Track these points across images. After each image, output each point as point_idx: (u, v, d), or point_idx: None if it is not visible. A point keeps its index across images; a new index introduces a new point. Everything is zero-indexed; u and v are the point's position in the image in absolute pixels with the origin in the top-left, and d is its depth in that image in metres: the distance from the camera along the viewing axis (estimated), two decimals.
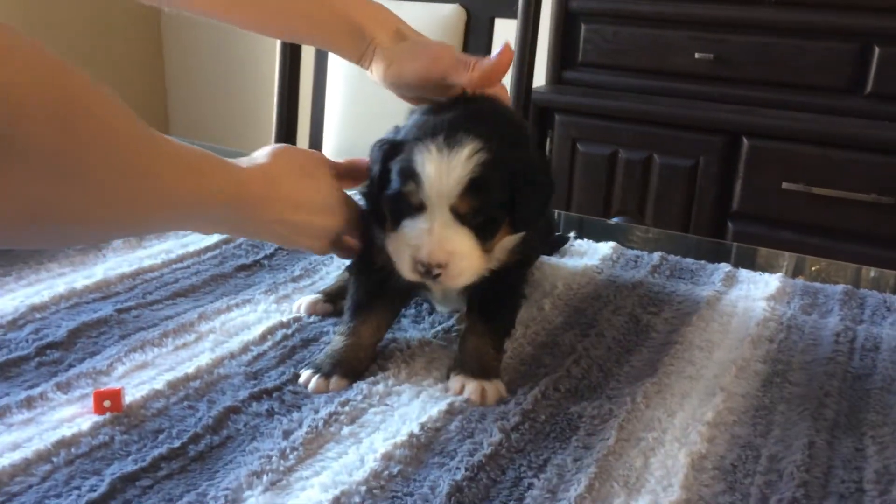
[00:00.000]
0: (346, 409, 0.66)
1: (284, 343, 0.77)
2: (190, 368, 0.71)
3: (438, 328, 0.82)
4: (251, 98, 3.15)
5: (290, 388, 0.69)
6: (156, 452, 0.59)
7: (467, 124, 0.65)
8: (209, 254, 0.96)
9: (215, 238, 1.00)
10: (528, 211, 0.69)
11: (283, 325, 0.80)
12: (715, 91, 2.21)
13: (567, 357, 0.76)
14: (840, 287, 0.94)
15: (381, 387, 0.70)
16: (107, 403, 0.63)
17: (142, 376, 0.69)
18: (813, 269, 1.06)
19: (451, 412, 0.67)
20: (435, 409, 0.67)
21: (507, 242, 0.71)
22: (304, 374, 0.71)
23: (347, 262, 0.80)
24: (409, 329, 0.82)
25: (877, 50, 2.01)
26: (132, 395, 0.66)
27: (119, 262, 0.91)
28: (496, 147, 0.65)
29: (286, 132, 1.66)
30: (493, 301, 0.74)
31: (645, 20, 2.27)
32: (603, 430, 0.64)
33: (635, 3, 2.26)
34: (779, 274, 0.97)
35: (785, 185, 2.08)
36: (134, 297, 0.83)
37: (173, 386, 0.68)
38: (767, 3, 2.12)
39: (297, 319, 0.81)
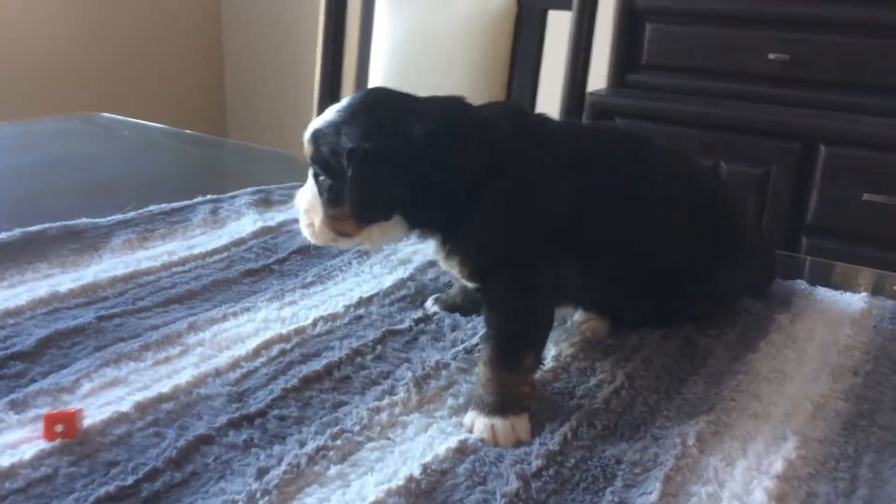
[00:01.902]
0: (339, 442, 0.56)
1: (280, 359, 0.67)
2: (166, 387, 0.61)
3: (460, 347, 0.71)
4: (306, 98, 3.10)
5: (277, 411, 0.59)
6: (102, 491, 0.49)
7: (356, 103, 0.66)
8: (216, 256, 0.87)
9: (224, 239, 0.91)
10: (348, 185, 0.63)
11: (281, 337, 0.70)
12: (790, 94, 2.05)
13: (606, 386, 0.65)
14: None
15: (384, 415, 0.60)
16: (59, 428, 0.54)
17: (109, 395, 0.60)
18: (895, 287, 0.92)
19: (462, 451, 0.56)
20: (443, 447, 0.56)
21: (386, 228, 0.67)
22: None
23: None
24: (427, 348, 0.71)
25: None
26: (92, 417, 0.57)
27: (114, 263, 0.83)
28: (348, 119, 0.64)
29: None
30: (493, 315, 0.64)
31: (715, 19, 2.12)
32: (645, 482, 0.53)
33: (706, 2, 2.12)
34: (863, 293, 0.84)
35: (866, 196, 1.90)
36: (121, 304, 0.75)
37: (141, 408, 0.58)
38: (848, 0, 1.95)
39: (299, 331, 0.71)
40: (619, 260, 0.70)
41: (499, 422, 0.58)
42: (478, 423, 0.59)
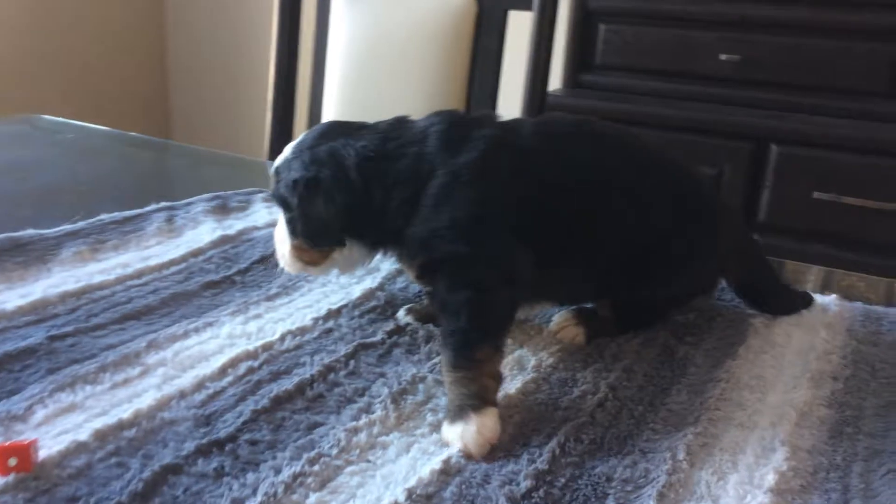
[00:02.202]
0: (316, 467, 0.53)
1: (248, 377, 0.64)
2: (126, 413, 0.57)
3: (436, 359, 0.68)
4: (256, 99, 3.03)
5: (248, 436, 0.56)
6: None
7: (305, 138, 0.72)
8: (174, 268, 0.83)
9: (182, 249, 0.87)
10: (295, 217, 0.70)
11: (249, 354, 0.67)
12: (742, 95, 2.07)
13: (590, 398, 0.63)
14: None
15: (363, 436, 0.57)
16: (12, 462, 0.50)
17: (66, 423, 0.56)
18: (841, 283, 0.93)
19: (446, 472, 0.53)
20: (427, 469, 0.53)
21: (347, 253, 0.71)
22: None
23: None
24: (402, 361, 0.68)
25: None
26: (48, 448, 0.53)
27: (65, 277, 0.78)
28: (297, 154, 0.70)
29: (281, 132, 1.53)
30: (442, 315, 0.64)
31: (668, 20, 2.14)
32: (638, 500, 0.51)
33: (658, 3, 2.13)
34: (833, 296, 0.84)
35: (816, 194, 1.94)
36: (74, 321, 0.70)
37: (101, 436, 0.54)
38: (800, 1, 1.98)
39: (266, 347, 0.68)
40: (577, 254, 0.69)
41: (465, 427, 0.57)
42: (446, 433, 0.58)
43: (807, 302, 0.82)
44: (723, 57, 2.08)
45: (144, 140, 1.45)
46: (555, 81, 2.05)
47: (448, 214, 0.65)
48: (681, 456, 0.55)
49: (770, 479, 0.53)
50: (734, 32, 2.06)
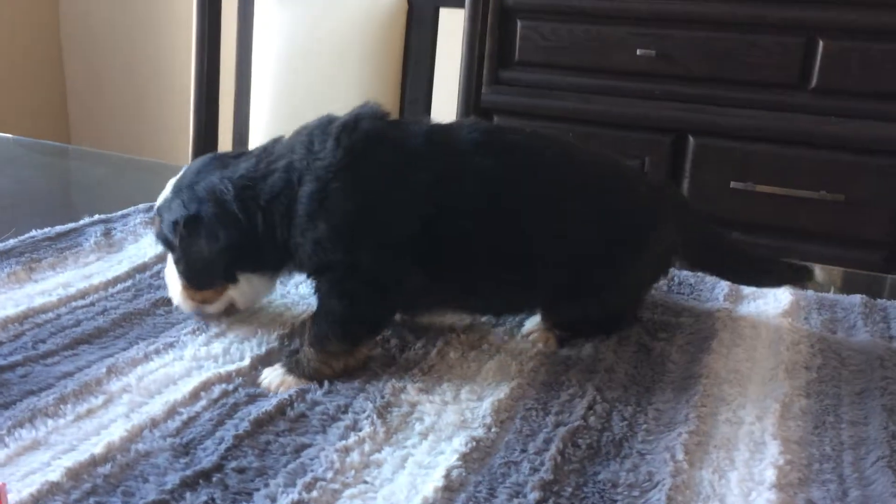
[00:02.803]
0: (314, 493, 0.50)
1: (224, 400, 0.60)
2: (98, 447, 0.53)
3: (415, 369, 0.66)
4: (163, 100, 2.91)
5: (234, 463, 0.53)
6: None
7: (184, 175, 0.71)
8: (119, 286, 0.78)
9: (125, 265, 0.81)
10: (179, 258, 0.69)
11: (221, 377, 0.63)
12: (659, 88, 2.12)
13: (578, 401, 0.62)
14: (857, 298, 0.84)
15: (355, 455, 0.55)
16: None
17: (32, 462, 0.51)
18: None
19: (450, 488, 0.52)
20: (429, 486, 0.52)
21: (246, 287, 0.71)
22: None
23: None
24: (379, 374, 0.66)
25: (821, 43, 1.96)
26: (18, 492, 0.48)
27: (2, 301, 0.72)
28: (176, 193, 0.69)
29: (206, 135, 1.47)
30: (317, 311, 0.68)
31: (583, 16, 2.16)
32: None
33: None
34: (786, 286, 0.86)
35: (733, 184, 2.01)
36: (21, 349, 0.64)
37: (74, 475, 0.50)
38: None
39: (240, 371, 0.64)
40: (467, 265, 0.68)
41: (275, 373, 0.63)
42: (266, 371, 0.64)
43: (801, 275, 0.80)
44: (639, 52, 2.12)
45: (60, 148, 1.37)
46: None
47: (323, 222, 0.64)
48: (680, 456, 0.55)
49: (770, 474, 0.54)
50: (649, 28, 2.11)
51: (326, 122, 0.69)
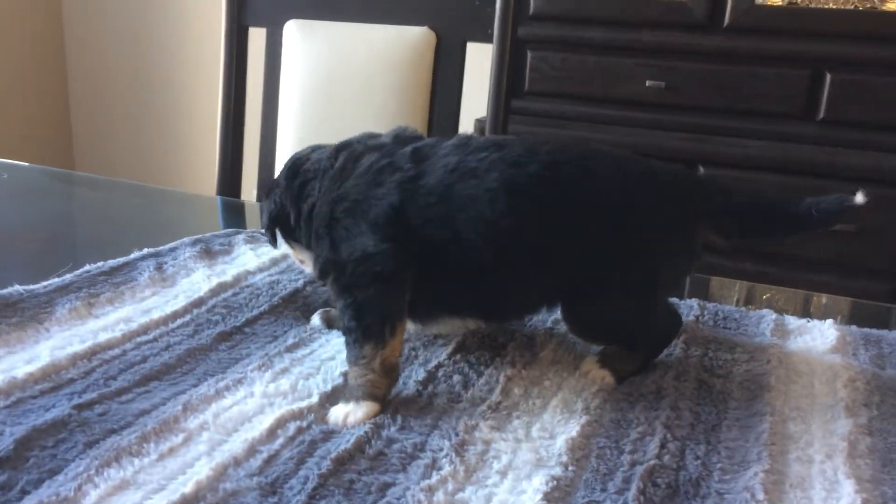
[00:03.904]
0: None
1: (300, 438, 0.61)
2: (186, 486, 0.53)
3: (483, 406, 0.67)
4: (189, 131, 2.92)
5: (323, 503, 0.53)
6: None
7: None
8: (178, 321, 0.78)
9: (182, 300, 0.82)
10: None
11: (293, 414, 0.64)
12: (667, 119, 2.16)
13: (649, 439, 0.63)
14: None
15: (440, 495, 0.55)
16: None
17: (124, 502, 0.52)
18: (764, 297, 1.01)
19: None
20: None
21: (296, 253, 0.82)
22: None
23: None
24: (448, 410, 0.66)
25: (828, 76, 2.00)
26: None
27: (67, 337, 0.72)
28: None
29: (232, 167, 1.48)
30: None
31: (593, 47, 2.20)
32: None
33: (584, 31, 2.19)
34: (829, 320, 0.87)
35: None
36: (94, 386, 0.65)
37: None
38: (718, 30, 2.08)
39: (311, 408, 0.65)
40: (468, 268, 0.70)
41: (342, 410, 0.64)
42: (332, 410, 0.65)
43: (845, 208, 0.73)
44: (648, 83, 2.16)
45: (89, 179, 1.37)
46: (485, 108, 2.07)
47: (320, 221, 0.72)
48: (760, 496, 0.56)
49: None
50: (657, 60, 2.15)
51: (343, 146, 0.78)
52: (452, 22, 1.38)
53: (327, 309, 0.82)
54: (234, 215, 1.36)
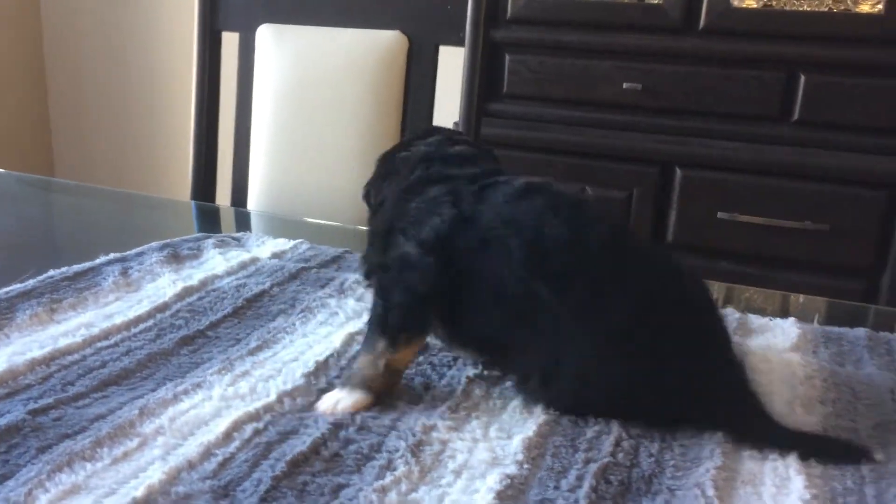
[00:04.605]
0: None
1: (256, 440, 0.61)
2: (138, 490, 0.53)
3: (443, 406, 0.67)
4: (161, 136, 2.91)
5: None
6: None
7: None
8: (141, 325, 0.78)
9: (145, 305, 0.82)
10: None
11: (250, 416, 0.64)
12: (645, 121, 2.17)
13: (605, 437, 0.63)
14: (862, 331, 0.86)
15: (393, 496, 0.55)
16: None
17: None
18: (742, 297, 1.02)
19: None
20: None
21: None
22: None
23: None
24: (408, 411, 0.67)
25: (802, 78, 2.02)
26: None
27: (27, 343, 0.72)
28: None
29: (205, 171, 1.48)
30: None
31: (570, 50, 2.21)
32: None
33: (561, 34, 2.20)
34: (791, 319, 0.88)
35: (720, 214, 2.05)
36: (51, 391, 0.65)
37: None
38: (693, 32, 2.10)
39: (268, 408, 0.65)
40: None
41: (332, 393, 0.67)
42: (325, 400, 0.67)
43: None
44: (625, 85, 2.17)
45: (63, 184, 1.37)
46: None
47: (378, 224, 0.77)
48: (710, 492, 0.56)
49: None
50: (634, 62, 2.15)
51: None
52: (424, 26, 1.38)
53: None
54: (209, 220, 1.36)
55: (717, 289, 1.04)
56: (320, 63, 1.41)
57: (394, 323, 0.69)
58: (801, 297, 1.05)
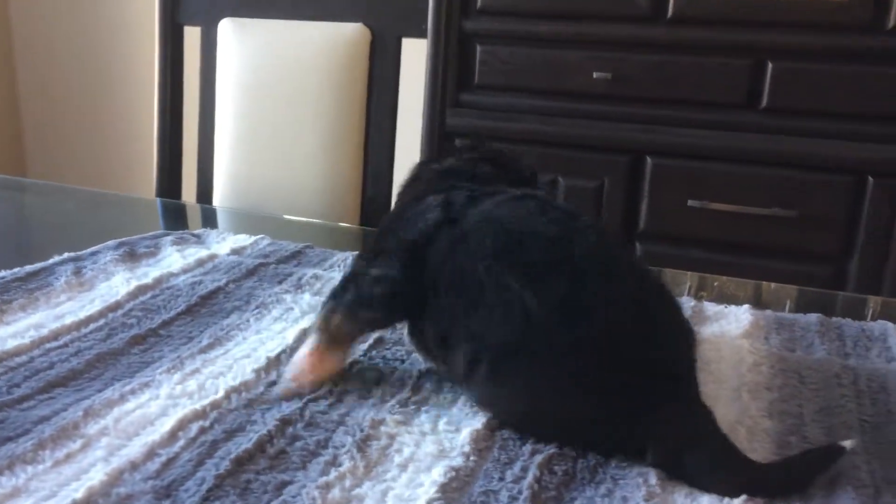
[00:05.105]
0: None
1: (202, 438, 0.61)
2: (78, 492, 0.53)
3: (392, 401, 0.68)
4: (126, 133, 2.89)
5: (218, 503, 0.53)
6: None
7: None
8: (92, 325, 0.78)
9: (97, 304, 0.81)
10: None
11: (197, 414, 0.63)
12: (616, 110, 2.17)
13: None
14: (814, 317, 0.87)
15: (336, 492, 0.55)
16: None
17: None
18: (714, 285, 1.02)
19: None
20: None
21: None
22: None
23: None
24: (357, 406, 0.67)
25: (770, 65, 2.03)
26: None
27: None
28: None
29: (170, 167, 1.47)
30: None
31: (541, 40, 2.21)
32: None
33: (531, 24, 2.20)
34: (746, 305, 0.89)
35: (690, 202, 2.06)
36: None
37: None
38: (662, 21, 2.10)
39: (214, 406, 0.65)
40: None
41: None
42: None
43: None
44: (595, 75, 2.17)
45: (22, 183, 1.36)
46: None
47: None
48: (653, 481, 0.57)
49: (738, 497, 0.56)
50: (604, 52, 2.16)
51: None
52: (387, 18, 1.38)
53: None
54: (175, 217, 1.36)
55: (689, 278, 1.05)
56: (283, 57, 1.40)
57: (351, 313, 0.70)
58: (773, 285, 1.05)
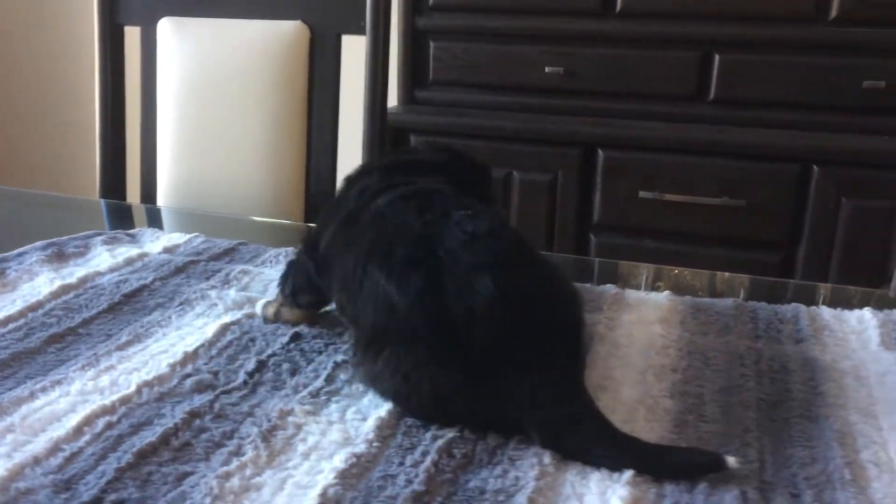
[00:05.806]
0: None
1: (108, 433, 0.61)
2: None
3: (304, 392, 0.69)
4: (68, 133, 2.86)
5: (114, 496, 0.54)
6: None
7: None
8: (11, 325, 0.78)
9: (18, 304, 0.82)
10: None
11: (105, 409, 0.64)
12: (568, 104, 2.19)
13: None
14: (729, 301, 0.89)
15: (235, 481, 0.56)
16: None
17: None
18: (671, 275, 1.03)
19: (326, 503, 0.54)
20: None
21: None
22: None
23: None
24: (268, 398, 0.68)
25: (717, 57, 2.06)
26: None
27: None
28: None
29: (113, 167, 1.47)
30: None
31: (493, 36, 2.22)
32: None
33: (483, 20, 2.21)
34: (666, 292, 0.91)
35: (642, 193, 2.08)
36: None
37: None
38: (611, 14, 2.12)
39: (124, 400, 0.66)
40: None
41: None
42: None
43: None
44: (547, 69, 2.19)
45: None
46: (391, 99, 2.08)
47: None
48: (546, 461, 0.59)
49: (627, 472, 0.57)
50: (556, 46, 2.18)
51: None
52: (326, 15, 1.38)
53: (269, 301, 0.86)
54: (118, 218, 1.35)
55: (646, 270, 1.06)
56: (223, 55, 1.41)
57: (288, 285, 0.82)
58: (727, 274, 1.07)
